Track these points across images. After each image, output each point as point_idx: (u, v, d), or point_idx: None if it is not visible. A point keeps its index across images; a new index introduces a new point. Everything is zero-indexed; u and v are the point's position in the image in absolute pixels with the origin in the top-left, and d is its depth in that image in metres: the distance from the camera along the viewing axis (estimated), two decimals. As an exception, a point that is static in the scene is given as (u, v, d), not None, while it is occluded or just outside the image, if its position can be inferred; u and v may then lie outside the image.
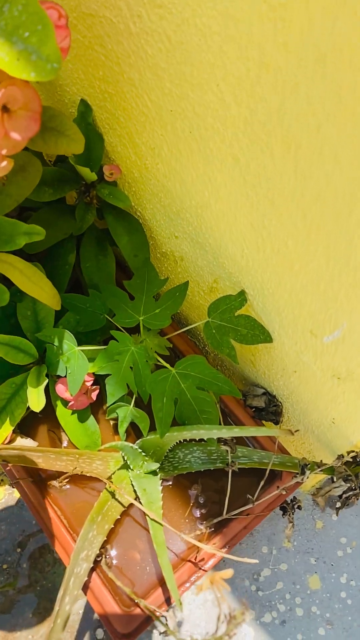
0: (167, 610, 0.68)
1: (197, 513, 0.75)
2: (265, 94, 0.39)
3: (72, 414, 0.75)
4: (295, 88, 0.36)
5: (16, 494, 1.04)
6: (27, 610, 0.94)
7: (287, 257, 0.51)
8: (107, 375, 0.67)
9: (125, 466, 0.74)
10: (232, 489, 0.74)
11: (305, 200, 0.43)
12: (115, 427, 0.81)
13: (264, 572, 1.01)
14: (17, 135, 0.38)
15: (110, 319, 0.69)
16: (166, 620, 0.59)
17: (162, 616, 0.62)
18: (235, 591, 0.99)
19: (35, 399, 0.64)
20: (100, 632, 0.94)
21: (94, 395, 0.73)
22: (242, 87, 0.41)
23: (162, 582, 0.69)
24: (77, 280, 0.85)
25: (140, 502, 0.67)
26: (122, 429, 0.65)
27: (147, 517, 0.66)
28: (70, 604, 0.60)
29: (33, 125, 0.39)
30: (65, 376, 0.67)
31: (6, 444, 0.69)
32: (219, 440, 0.67)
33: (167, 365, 0.61)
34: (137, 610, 0.66)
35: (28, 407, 0.72)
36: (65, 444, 0.79)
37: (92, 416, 0.75)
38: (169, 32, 0.44)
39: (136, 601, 0.65)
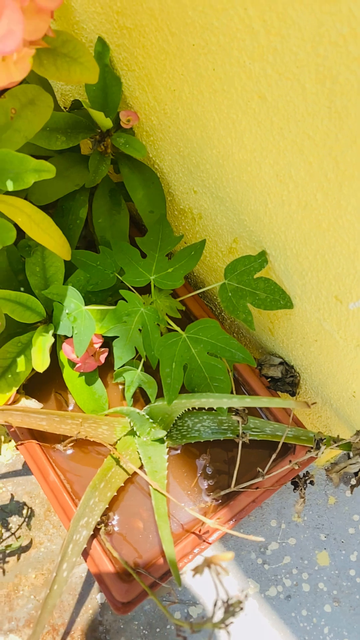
0: (166, 581, 0.65)
1: (205, 484, 0.72)
2: (299, 17, 0.34)
3: (79, 376, 0.72)
4: (336, 4, 0.31)
5: (23, 455, 1.02)
6: (31, 571, 0.93)
7: (314, 212, 0.46)
8: (115, 337, 0.64)
9: (132, 433, 0.71)
10: (242, 461, 0.71)
11: (340, 145, 0.38)
12: (124, 392, 0.78)
13: (272, 546, 0.98)
14: (43, 3, 0.34)
15: (121, 278, 0.65)
16: (170, 594, 0.57)
17: (163, 587, 0.59)
18: (240, 563, 0.97)
19: (40, 359, 0.61)
20: (102, 596, 0.93)
21: (102, 358, 0.70)
22: (273, 10, 0.36)
23: (164, 553, 0.67)
24: (90, 240, 0.81)
25: (144, 471, 0.65)
26: (128, 394, 0.62)
27: (150, 487, 0.63)
28: (68, 570, 0.58)
29: None
30: (72, 337, 0.64)
31: (10, 404, 0.66)
32: (230, 410, 0.63)
33: (178, 329, 0.58)
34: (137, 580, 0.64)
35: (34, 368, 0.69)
36: (71, 407, 0.77)
37: (99, 380, 0.72)
38: None
39: (137, 571, 0.63)
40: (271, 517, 1.00)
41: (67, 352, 0.67)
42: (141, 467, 0.69)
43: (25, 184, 0.46)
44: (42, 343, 0.62)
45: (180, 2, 0.44)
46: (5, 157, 0.45)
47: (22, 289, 0.69)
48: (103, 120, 0.59)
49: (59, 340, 0.70)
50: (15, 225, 0.53)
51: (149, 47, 0.53)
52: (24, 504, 0.98)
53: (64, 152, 0.67)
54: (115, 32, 0.57)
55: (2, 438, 1.04)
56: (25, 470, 1.01)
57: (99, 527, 0.64)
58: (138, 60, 0.56)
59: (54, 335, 0.66)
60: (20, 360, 0.68)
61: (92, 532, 0.62)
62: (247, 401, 0.50)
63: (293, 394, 0.76)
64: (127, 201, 0.72)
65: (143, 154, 0.63)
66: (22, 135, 0.49)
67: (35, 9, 0.35)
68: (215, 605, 0.30)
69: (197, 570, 0.31)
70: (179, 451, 0.74)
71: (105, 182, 0.70)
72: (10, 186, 0.46)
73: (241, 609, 0.29)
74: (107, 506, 0.65)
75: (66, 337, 0.69)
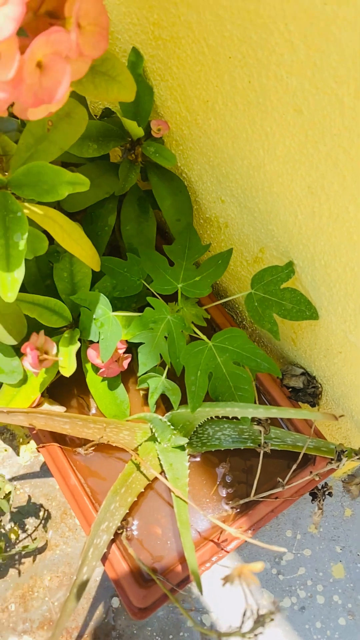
0: (184, 588, 0.65)
1: (224, 492, 0.72)
2: (342, 34, 0.35)
3: (102, 381, 0.72)
4: (381, 23, 0.32)
5: (42, 457, 1.03)
6: (46, 573, 0.94)
7: (346, 224, 0.46)
8: (140, 343, 0.64)
9: (153, 439, 0.71)
10: (262, 470, 0.71)
11: (376, 160, 0.39)
12: (146, 397, 0.79)
13: (286, 557, 0.98)
14: (88, 50, 0.35)
15: (147, 285, 0.65)
16: (187, 601, 0.57)
17: (181, 594, 0.60)
18: (254, 573, 0.96)
19: (66, 363, 0.61)
20: (116, 601, 0.93)
21: (125, 364, 0.71)
22: (314, 27, 0.36)
23: (182, 560, 0.67)
24: (115, 245, 0.82)
25: (165, 477, 0.65)
26: (152, 401, 0.62)
27: (172, 493, 0.63)
28: (88, 574, 0.59)
29: (102, 43, 0.36)
30: (98, 342, 0.64)
31: (34, 407, 0.67)
32: (253, 419, 0.63)
33: (204, 337, 0.58)
34: (155, 586, 0.65)
35: (58, 372, 0.69)
36: (93, 411, 0.77)
37: (122, 385, 0.73)
38: None
39: (156, 577, 0.63)
40: (286, 527, 1.00)
41: (91, 357, 0.68)
42: (161, 474, 0.69)
43: (60, 195, 0.47)
44: (69, 348, 0.62)
45: (219, 15, 0.44)
46: (41, 169, 0.46)
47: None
48: (135, 130, 0.60)
49: (83, 345, 0.70)
50: (45, 233, 0.54)
51: (184, 59, 0.54)
52: (41, 506, 0.99)
53: (95, 159, 0.68)
54: (150, 43, 0.58)
55: (21, 440, 1.06)
56: (43, 473, 1.02)
57: (119, 531, 0.64)
58: (172, 70, 0.57)
59: (79, 339, 0.67)
60: (45, 364, 0.68)
61: (112, 537, 0.62)
62: (274, 412, 0.50)
63: (314, 405, 0.75)
64: (154, 209, 0.73)
65: (173, 163, 0.64)
66: (58, 147, 0.50)
67: (80, 54, 0.36)
68: (244, 615, 0.30)
69: (228, 579, 0.31)
70: (198, 459, 0.74)
71: (134, 190, 0.71)
72: (44, 198, 0.47)
73: (272, 619, 0.30)
74: (127, 511, 0.65)
75: (91, 342, 0.69)
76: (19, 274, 0.45)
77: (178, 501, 0.55)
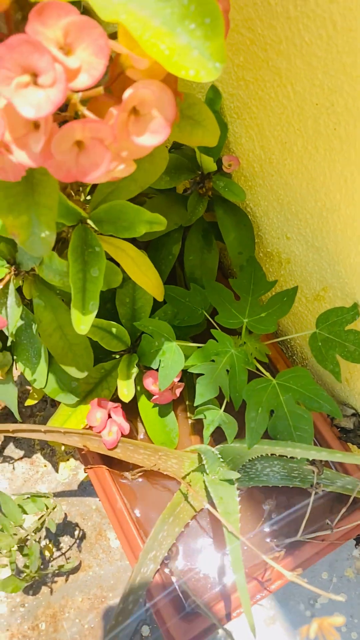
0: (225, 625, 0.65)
1: (268, 529, 0.72)
2: None
3: (153, 407, 0.73)
4: None
5: (80, 476, 1.04)
6: (78, 594, 0.94)
7: None
8: (193, 373, 0.64)
9: (200, 469, 0.71)
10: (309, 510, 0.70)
11: None
12: (194, 426, 0.79)
13: (321, 599, 0.96)
14: (140, 141, 0.35)
15: (208, 316, 0.66)
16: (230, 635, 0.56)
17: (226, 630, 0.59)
18: (288, 614, 0.94)
19: (125, 390, 0.62)
20: (145, 629, 0.92)
21: (177, 392, 0.71)
22: None
23: (224, 595, 0.66)
24: (172, 273, 0.83)
25: (215, 509, 0.65)
26: (207, 432, 0.63)
27: (218, 525, 0.63)
28: (133, 603, 0.59)
29: (161, 132, 0.35)
30: (156, 369, 0.65)
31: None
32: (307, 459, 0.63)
33: (267, 374, 0.58)
34: (197, 619, 0.64)
35: (113, 395, 0.70)
36: (141, 436, 0.78)
37: (172, 413, 0.73)
38: (337, 17, 0.40)
39: (198, 611, 0.63)
40: (323, 569, 0.98)
41: (147, 384, 0.68)
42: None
43: (137, 233, 0.49)
44: (128, 373, 0.63)
45: (311, 65, 0.45)
46: (122, 207, 0.48)
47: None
48: (210, 165, 0.61)
49: (138, 370, 0.71)
50: (115, 262, 0.55)
51: (266, 100, 0.55)
52: (77, 525, 0.99)
53: (164, 191, 0.69)
54: (231, 82, 0.59)
55: (60, 456, 1.06)
56: (80, 491, 1.02)
57: (166, 561, 0.64)
58: (251, 110, 0.58)
59: (136, 364, 0.68)
60: (101, 387, 0.70)
61: (158, 567, 0.62)
62: (338, 456, 0.50)
63: (364, 447, 0.74)
64: (217, 240, 0.74)
65: (242, 198, 0.65)
66: (138, 185, 0.51)
67: (129, 140, 0.35)
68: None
69: (306, 631, 0.30)
70: (243, 492, 0.74)
71: (199, 221, 0.72)
72: (122, 234, 0.49)
73: None
74: (174, 541, 0.65)
75: (145, 367, 0.70)
76: (94, 307, 0.46)
77: (230, 537, 0.54)
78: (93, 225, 0.49)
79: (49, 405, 1.09)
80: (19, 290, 0.57)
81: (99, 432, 0.64)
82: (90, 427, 0.66)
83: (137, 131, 0.35)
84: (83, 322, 0.46)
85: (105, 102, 0.35)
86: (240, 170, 0.68)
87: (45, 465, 1.05)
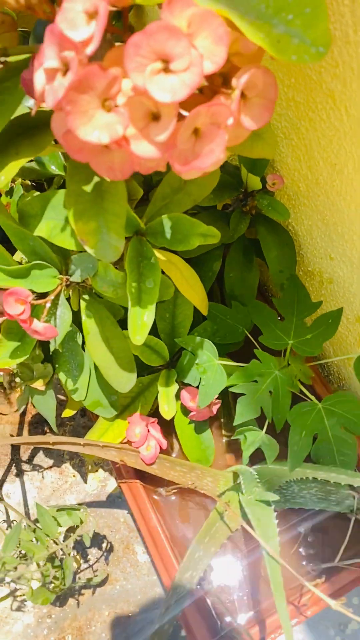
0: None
1: (303, 552, 0.70)
2: None
3: (189, 423, 0.73)
4: None
5: (109, 487, 1.04)
6: (105, 608, 0.93)
7: None
8: (234, 392, 0.64)
9: (235, 488, 0.70)
10: (344, 536, 0.69)
11: None
12: (229, 444, 0.78)
13: (352, 625, 0.93)
14: (249, 123, 0.35)
15: (248, 334, 0.66)
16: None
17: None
18: (317, 638, 0.92)
19: (166, 406, 0.62)
20: (172, 647, 0.91)
21: (214, 409, 0.71)
22: None
23: (259, 619, 0.66)
24: (210, 289, 0.83)
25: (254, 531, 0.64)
26: (247, 453, 0.62)
27: (251, 544, 0.62)
28: (169, 624, 0.58)
29: (265, 115, 0.36)
30: (196, 386, 0.65)
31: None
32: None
33: (312, 397, 0.57)
34: (230, 643, 0.63)
35: (150, 409, 0.70)
36: (175, 454, 0.77)
37: (209, 430, 0.73)
38: None
39: (232, 635, 0.62)
40: (353, 593, 0.96)
41: (185, 400, 0.68)
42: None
43: (191, 246, 0.49)
44: (167, 389, 0.63)
45: (369, 88, 0.45)
46: (178, 220, 0.48)
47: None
48: (255, 183, 0.61)
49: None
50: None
51: (316, 122, 0.55)
52: (104, 537, 0.99)
53: (207, 208, 0.69)
54: (280, 102, 0.59)
55: (90, 467, 1.07)
56: (109, 503, 1.02)
57: (202, 582, 0.63)
58: (300, 131, 0.58)
59: (176, 381, 0.68)
60: (139, 401, 0.69)
61: (194, 587, 0.61)
62: (386, 484, 0.49)
63: None
64: (257, 257, 0.73)
65: (286, 217, 0.65)
66: (192, 199, 0.51)
67: (239, 125, 0.36)
68: None
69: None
70: (277, 513, 0.73)
71: (240, 239, 0.72)
72: (176, 247, 0.49)
73: None
74: (210, 562, 0.64)
75: (183, 383, 0.70)
76: (149, 318, 0.46)
77: (271, 562, 0.54)
78: (148, 238, 0.49)
79: (78, 415, 1.10)
80: (67, 301, 0.57)
81: (138, 447, 0.64)
82: (129, 442, 0.66)
83: (249, 114, 0.36)
84: (139, 332, 0.46)
85: (197, 98, 0.36)
86: (284, 189, 0.68)
87: (74, 476, 1.05)
